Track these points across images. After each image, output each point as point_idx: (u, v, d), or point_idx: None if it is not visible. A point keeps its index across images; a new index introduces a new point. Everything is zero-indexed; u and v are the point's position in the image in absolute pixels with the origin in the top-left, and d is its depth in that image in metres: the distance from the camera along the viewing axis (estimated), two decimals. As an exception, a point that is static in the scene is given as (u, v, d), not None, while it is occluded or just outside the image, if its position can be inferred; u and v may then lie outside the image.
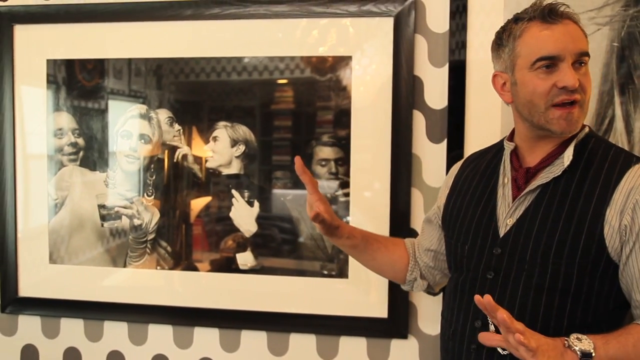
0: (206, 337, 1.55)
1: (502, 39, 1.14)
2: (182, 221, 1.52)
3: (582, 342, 0.99)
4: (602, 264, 1.06)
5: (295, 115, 1.48)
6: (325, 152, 1.46)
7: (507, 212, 1.13)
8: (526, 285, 1.08)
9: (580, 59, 1.07)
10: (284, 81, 1.48)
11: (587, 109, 1.11)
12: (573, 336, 1.00)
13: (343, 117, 1.45)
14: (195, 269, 1.52)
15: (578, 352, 0.97)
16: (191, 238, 1.53)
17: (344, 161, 1.46)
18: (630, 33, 1.35)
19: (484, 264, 1.14)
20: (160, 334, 1.56)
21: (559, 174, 1.08)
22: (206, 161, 1.50)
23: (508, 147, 1.18)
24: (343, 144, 1.45)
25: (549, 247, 1.07)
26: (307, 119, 1.48)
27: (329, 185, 1.45)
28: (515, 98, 1.13)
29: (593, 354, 0.98)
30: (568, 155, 1.09)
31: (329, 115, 1.47)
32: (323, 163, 1.46)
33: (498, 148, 1.24)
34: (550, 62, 1.06)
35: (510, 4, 1.36)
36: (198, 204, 1.51)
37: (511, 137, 1.21)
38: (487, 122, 1.42)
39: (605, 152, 1.12)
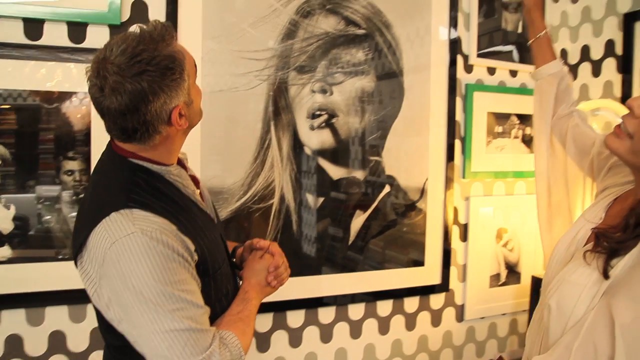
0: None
1: None
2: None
3: None
4: None
5: (43, 133, 1.77)
6: (70, 164, 1.80)
7: None
8: None
9: None
10: (37, 104, 1.77)
11: None
12: None
13: (85, 137, 1.81)
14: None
15: None
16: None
17: (85, 171, 1.82)
18: (278, 86, 2.07)
19: None
20: None
21: None
22: (-36, 174, 1.70)
23: None
24: (85, 158, 1.81)
25: None
26: (55, 138, 1.78)
27: (74, 191, 1.82)
28: None
29: None
30: None
31: (71, 135, 1.80)
32: (69, 173, 1.80)
33: None
34: None
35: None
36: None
37: None
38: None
39: None
